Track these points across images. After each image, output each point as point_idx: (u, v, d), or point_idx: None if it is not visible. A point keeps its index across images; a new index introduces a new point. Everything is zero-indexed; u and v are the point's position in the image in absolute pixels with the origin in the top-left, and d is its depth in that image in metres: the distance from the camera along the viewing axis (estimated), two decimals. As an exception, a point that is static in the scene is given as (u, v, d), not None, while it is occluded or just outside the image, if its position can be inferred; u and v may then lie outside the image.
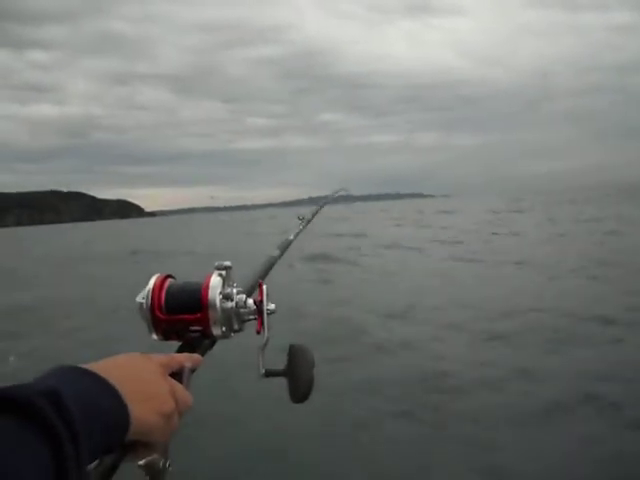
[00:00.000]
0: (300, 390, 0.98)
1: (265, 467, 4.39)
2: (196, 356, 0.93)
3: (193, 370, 0.93)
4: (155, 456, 0.78)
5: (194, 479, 3.95)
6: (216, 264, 1.04)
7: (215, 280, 1.01)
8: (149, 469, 0.79)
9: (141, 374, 0.75)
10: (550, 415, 4.92)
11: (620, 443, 4.37)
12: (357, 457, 4.50)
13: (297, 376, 0.98)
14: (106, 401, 0.66)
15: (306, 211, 1.83)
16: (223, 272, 1.03)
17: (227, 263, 1.04)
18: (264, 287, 1.06)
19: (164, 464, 0.80)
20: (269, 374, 1.00)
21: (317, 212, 1.88)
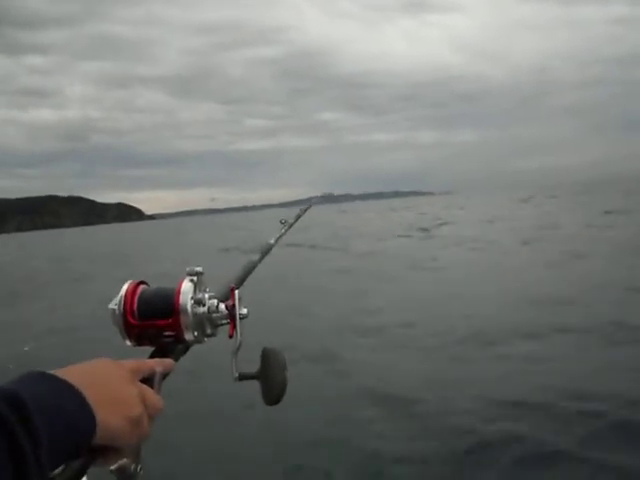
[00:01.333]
0: (273, 392, 0.99)
1: (237, 469, 4.42)
2: (167, 361, 0.94)
3: (165, 375, 0.94)
4: (126, 460, 0.80)
5: None
6: (187, 269, 1.04)
7: (186, 285, 1.02)
8: (120, 473, 0.80)
9: (108, 379, 0.76)
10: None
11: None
12: (332, 458, 4.52)
13: (270, 379, 1.00)
14: (70, 404, 0.67)
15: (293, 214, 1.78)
16: (194, 277, 1.04)
17: (198, 269, 1.04)
18: (236, 292, 1.07)
19: (135, 468, 0.81)
20: (242, 377, 1.01)
21: (300, 216, 1.82)
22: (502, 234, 22.76)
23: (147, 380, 0.87)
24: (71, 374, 0.71)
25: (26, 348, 8.89)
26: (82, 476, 0.72)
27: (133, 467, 0.81)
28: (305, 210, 1.91)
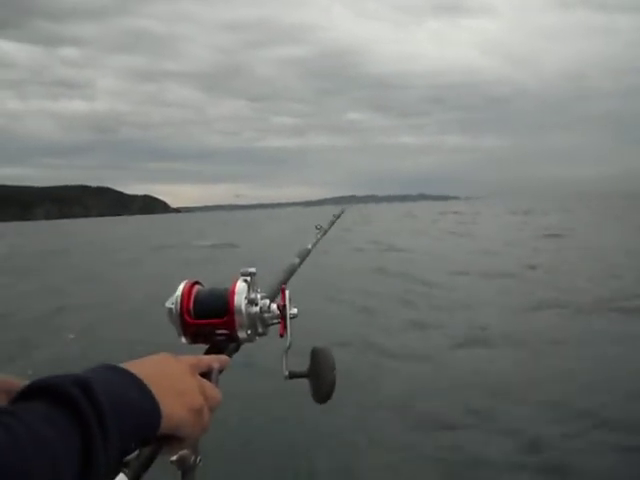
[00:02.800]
0: (322, 391, 1.02)
1: (288, 464, 4.53)
2: (223, 357, 0.98)
3: (221, 370, 0.98)
4: (187, 452, 0.83)
5: (222, 475, 4.06)
6: (241, 270, 1.08)
7: (240, 286, 1.06)
8: (181, 464, 0.84)
9: (171, 372, 0.80)
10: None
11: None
12: (385, 456, 4.61)
13: (319, 377, 1.02)
14: (137, 394, 0.71)
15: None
16: (248, 278, 1.07)
17: (252, 269, 1.08)
18: (287, 292, 1.10)
19: (195, 460, 0.85)
20: (293, 376, 1.05)
21: (334, 222, 1.90)
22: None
23: (205, 375, 0.91)
24: (137, 367, 0.75)
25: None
26: (152, 462, 0.77)
27: (192, 459, 0.84)
28: (338, 216, 1.99)
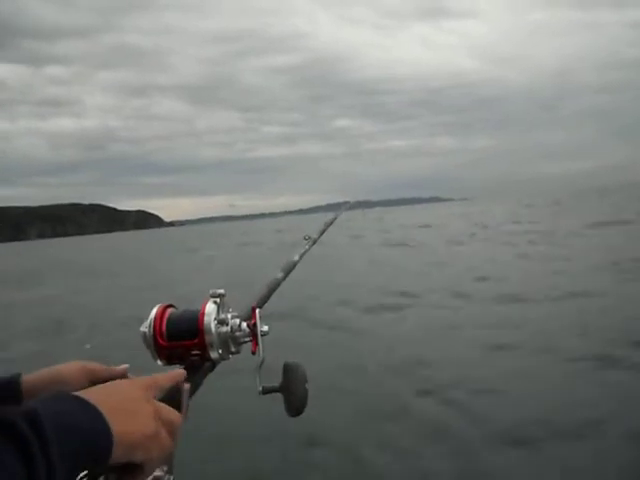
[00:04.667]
0: (295, 404, 1.06)
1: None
2: (178, 371, 0.99)
3: (194, 390, 1.01)
4: (160, 473, 0.86)
5: None
6: (210, 292, 1.11)
7: (210, 307, 1.08)
8: None
9: (123, 395, 0.81)
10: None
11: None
12: (356, 465, 4.60)
13: (292, 391, 1.06)
14: (85, 417, 0.73)
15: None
16: (217, 299, 1.10)
17: (220, 291, 1.11)
18: (257, 311, 1.14)
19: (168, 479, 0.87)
20: (266, 391, 1.08)
21: (324, 231, 1.83)
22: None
23: (172, 396, 0.94)
24: (87, 393, 0.77)
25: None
26: None
27: (167, 478, 0.87)
28: (329, 225, 1.91)
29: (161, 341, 1.07)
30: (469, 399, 5.73)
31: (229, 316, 1.10)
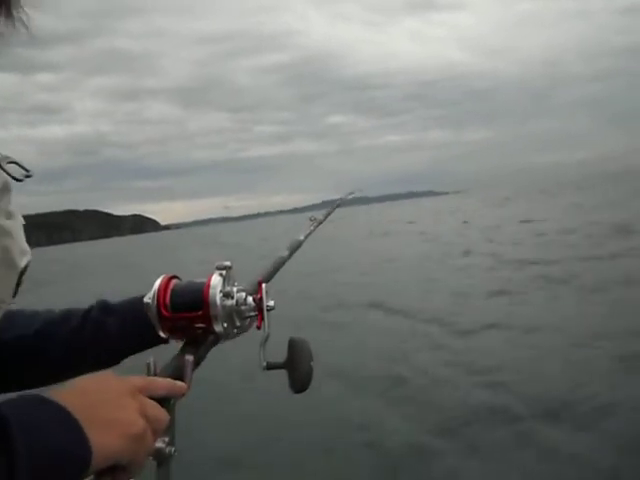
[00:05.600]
0: (299, 381, 1.03)
1: (268, 455, 4.64)
2: (179, 384, 0.92)
3: (198, 362, 1.00)
4: (162, 445, 0.84)
5: (199, 465, 4.17)
6: (217, 264, 1.08)
7: (215, 279, 1.06)
8: (156, 457, 0.84)
9: (106, 396, 0.75)
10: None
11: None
12: (358, 446, 4.69)
13: (296, 368, 1.03)
14: (61, 431, 0.66)
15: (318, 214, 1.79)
16: (223, 272, 1.08)
17: (227, 263, 1.09)
18: (263, 285, 1.11)
19: (170, 451, 0.86)
20: (270, 367, 1.05)
21: (329, 213, 1.85)
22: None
23: (175, 369, 0.93)
24: (68, 396, 0.71)
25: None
26: None
27: (168, 450, 0.85)
28: (334, 208, 1.94)
29: (165, 312, 1.05)
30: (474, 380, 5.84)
31: (235, 289, 1.08)
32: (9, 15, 0.80)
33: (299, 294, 11.91)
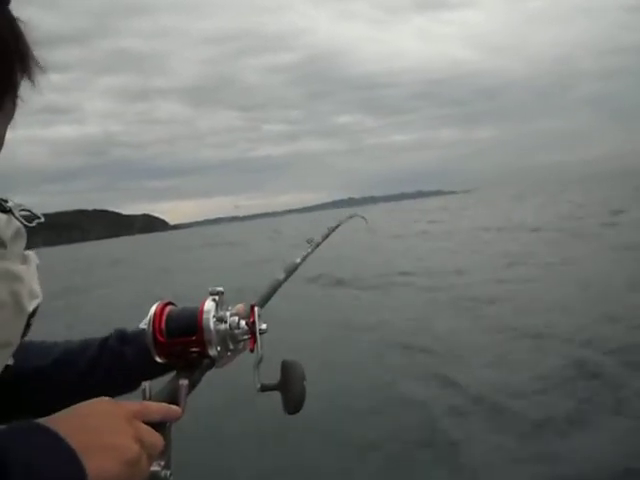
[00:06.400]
0: (293, 402, 1.06)
1: (263, 477, 4.58)
2: (174, 408, 0.93)
3: (193, 386, 1.02)
4: (157, 468, 0.86)
5: None
6: (210, 290, 1.12)
7: (209, 304, 1.09)
8: (153, 479, 0.86)
9: (102, 422, 0.76)
10: None
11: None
12: (354, 467, 4.62)
13: (290, 389, 1.06)
14: (56, 459, 0.67)
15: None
16: (216, 297, 1.11)
17: (219, 289, 1.12)
18: (256, 309, 1.15)
19: (166, 475, 0.88)
20: (264, 389, 1.08)
21: (328, 235, 1.85)
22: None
23: (170, 393, 0.95)
24: (63, 423, 0.72)
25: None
26: None
27: (164, 474, 0.87)
28: (334, 229, 1.92)
29: (160, 338, 1.08)
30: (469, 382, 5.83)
31: (228, 314, 1.11)
32: (30, 77, 0.86)
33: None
